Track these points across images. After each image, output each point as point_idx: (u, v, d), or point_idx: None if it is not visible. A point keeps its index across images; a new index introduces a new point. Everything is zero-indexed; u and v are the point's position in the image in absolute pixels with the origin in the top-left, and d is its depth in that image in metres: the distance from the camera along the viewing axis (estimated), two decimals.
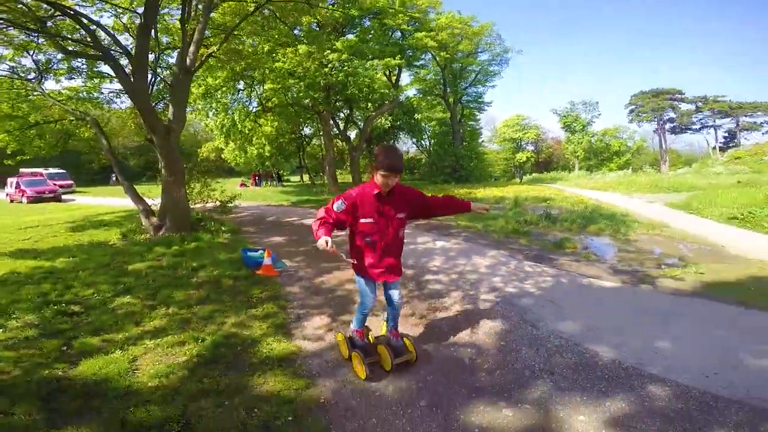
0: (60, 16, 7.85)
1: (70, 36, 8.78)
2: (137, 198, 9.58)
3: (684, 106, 50.06)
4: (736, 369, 2.94)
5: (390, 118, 31.79)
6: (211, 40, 10.57)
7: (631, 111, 49.79)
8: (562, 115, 48.97)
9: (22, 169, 23.86)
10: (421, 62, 29.25)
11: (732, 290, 4.70)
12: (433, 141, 38.54)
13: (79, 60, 10.42)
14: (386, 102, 22.40)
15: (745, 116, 48.90)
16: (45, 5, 7.42)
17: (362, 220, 2.73)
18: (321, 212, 2.68)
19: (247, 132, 23.90)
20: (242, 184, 31.24)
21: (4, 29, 8.15)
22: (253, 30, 11.43)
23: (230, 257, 6.18)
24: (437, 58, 28.25)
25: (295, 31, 16.16)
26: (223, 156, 30.87)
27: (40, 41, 9.15)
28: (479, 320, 3.83)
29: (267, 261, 5.47)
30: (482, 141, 48.88)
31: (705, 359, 3.07)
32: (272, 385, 2.73)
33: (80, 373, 2.86)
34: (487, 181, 32.81)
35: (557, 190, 22.69)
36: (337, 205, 2.67)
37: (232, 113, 22.56)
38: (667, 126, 50.91)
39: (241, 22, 9.27)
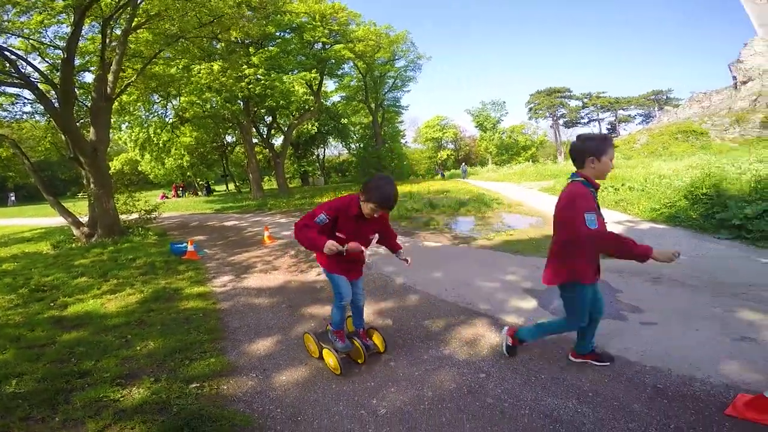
0: None
1: None
2: (65, 212, 10.57)
3: (573, 103, 57.10)
4: (467, 286, 4.77)
5: (317, 123, 33.09)
6: (127, 64, 11.67)
7: (530, 108, 55.89)
8: (475, 115, 53.10)
9: None
10: (344, 70, 30.33)
11: (519, 245, 6.63)
12: (359, 144, 40.25)
13: None
14: (309, 109, 23.50)
15: (622, 110, 56.88)
16: None
17: (337, 234, 2.75)
18: (305, 221, 2.67)
19: (162, 144, 23.89)
20: (163, 196, 30.90)
21: None
22: (167, 52, 12.66)
23: (160, 250, 7.94)
24: (357, 67, 30.43)
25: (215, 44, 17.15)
26: (139, 168, 30.39)
27: None
28: None
29: (191, 248, 7.31)
30: (406, 142, 51.79)
31: (452, 281, 4.99)
32: (192, 304, 4.71)
33: (70, 313, 4.60)
34: (407, 178, 35.66)
35: (463, 183, 26.12)
36: (320, 219, 2.65)
37: (147, 126, 22.44)
38: (561, 121, 57.75)
39: (155, 57, 10.65)
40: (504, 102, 53.87)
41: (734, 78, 29.44)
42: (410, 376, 2.96)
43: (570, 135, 62.51)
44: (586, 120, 57.79)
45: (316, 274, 5.80)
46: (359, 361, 3.12)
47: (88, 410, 2.66)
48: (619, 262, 5.29)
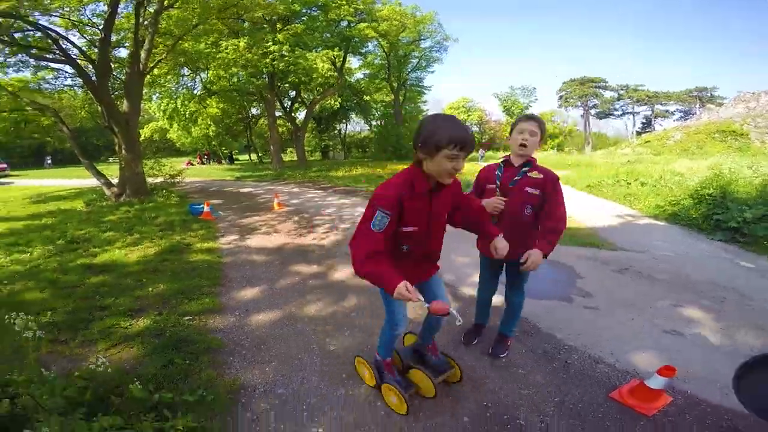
0: (29, 29, 9.63)
1: (36, 45, 10.17)
2: (98, 173, 11.58)
3: (607, 94, 54.94)
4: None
5: (340, 99, 33.32)
6: (159, 41, 12.36)
7: (561, 97, 54.25)
8: (503, 99, 52.36)
9: None
10: (368, 48, 30.32)
11: None
12: (380, 122, 40.48)
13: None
14: (332, 85, 23.67)
15: (660, 104, 54.41)
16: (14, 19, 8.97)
17: (404, 229, 1.97)
18: (363, 242, 1.85)
19: (189, 114, 24.94)
20: (189, 163, 32.30)
21: None
22: (196, 31, 13.30)
23: (179, 211, 8.92)
24: (381, 46, 30.50)
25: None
26: (168, 136, 31.83)
27: None
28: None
29: (206, 209, 8.21)
30: None
31: None
32: (200, 257, 5.51)
33: (99, 260, 5.47)
34: None
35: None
36: (380, 223, 1.83)
37: (176, 98, 23.35)
38: (593, 111, 55.84)
39: (184, 34, 11.34)
40: (534, 88, 52.72)
41: None
42: (364, 326, 3.50)
43: (601, 127, 60.63)
44: (620, 112, 55.75)
45: (311, 239, 6.55)
46: (429, 395, 2.48)
47: (101, 334, 3.38)
48: (591, 251, 5.73)
